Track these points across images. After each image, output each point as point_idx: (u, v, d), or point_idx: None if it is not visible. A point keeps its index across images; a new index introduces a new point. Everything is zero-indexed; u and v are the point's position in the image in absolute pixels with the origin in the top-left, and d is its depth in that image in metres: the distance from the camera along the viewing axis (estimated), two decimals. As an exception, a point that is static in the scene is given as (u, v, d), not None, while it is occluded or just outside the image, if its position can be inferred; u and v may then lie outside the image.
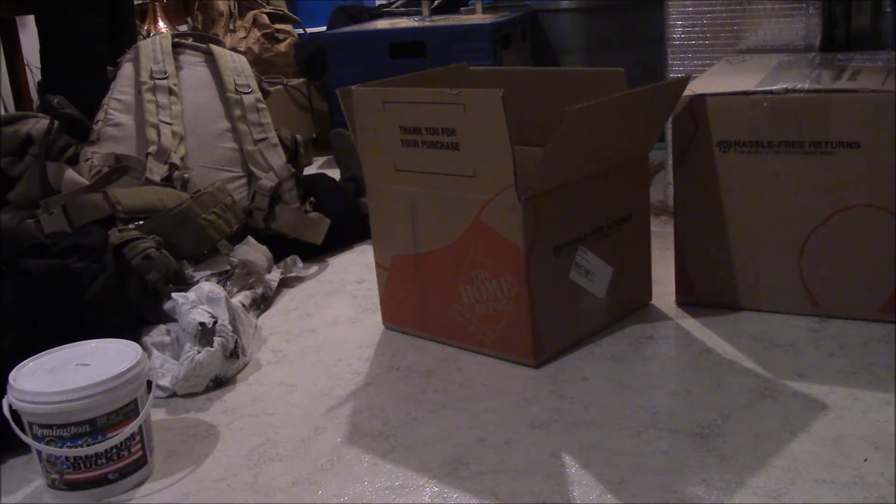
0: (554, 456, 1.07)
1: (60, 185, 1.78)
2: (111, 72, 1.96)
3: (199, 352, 1.28)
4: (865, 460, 1.00)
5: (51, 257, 1.39)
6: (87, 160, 1.82)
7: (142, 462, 1.09)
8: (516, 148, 1.20)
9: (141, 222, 1.56)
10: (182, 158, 1.80)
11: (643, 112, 1.35)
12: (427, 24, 2.54)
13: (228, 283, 1.57)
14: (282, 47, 3.03)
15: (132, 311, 1.40)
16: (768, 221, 1.38)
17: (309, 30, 3.23)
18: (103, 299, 1.34)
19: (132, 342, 1.13)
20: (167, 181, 1.74)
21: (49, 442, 1.03)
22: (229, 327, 1.34)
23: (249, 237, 1.71)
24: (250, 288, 1.59)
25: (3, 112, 3.00)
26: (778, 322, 1.38)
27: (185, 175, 1.77)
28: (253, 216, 1.79)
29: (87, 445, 1.03)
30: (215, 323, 1.32)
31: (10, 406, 1.05)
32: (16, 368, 1.08)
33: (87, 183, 1.75)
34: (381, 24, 2.69)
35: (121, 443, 1.05)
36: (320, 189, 1.94)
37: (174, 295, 1.36)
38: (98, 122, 1.88)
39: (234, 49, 2.45)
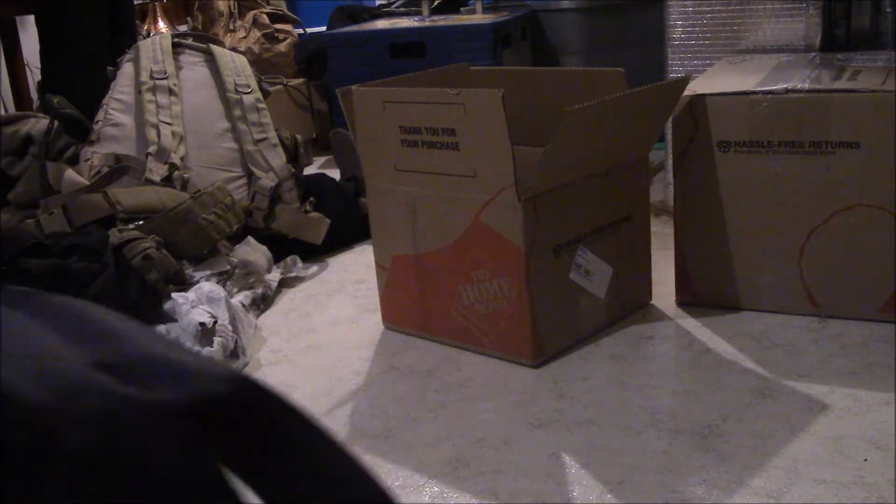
0: (554, 456, 1.07)
1: (60, 185, 1.78)
2: (111, 72, 1.96)
3: (199, 352, 1.28)
4: (865, 460, 1.00)
5: (51, 257, 1.39)
6: (87, 160, 1.82)
7: (142, 462, 1.09)
8: (516, 148, 1.20)
9: (141, 222, 1.56)
10: (182, 158, 1.80)
11: (643, 112, 1.35)
12: (427, 24, 2.54)
13: (228, 283, 1.57)
14: (282, 47, 3.03)
15: (132, 311, 1.40)
16: (768, 221, 1.38)
17: (309, 30, 3.23)
18: (103, 299, 1.34)
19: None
20: (167, 181, 1.74)
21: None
22: (229, 327, 1.34)
23: (249, 237, 1.71)
24: (250, 288, 1.59)
25: (3, 112, 3.00)
26: (778, 322, 1.38)
27: (185, 175, 1.77)
28: (253, 216, 1.79)
29: (87, 445, 1.03)
30: (215, 323, 1.32)
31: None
32: (16, 368, 1.07)
33: (87, 183, 1.75)
34: (381, 24, 2.69)
35: (121, 443, 1.05)
36: (320, 189, 1.94)
37: (174, 295, 1.36)
38: (98, 122, 1.88)
39: (234, 49, 2.45)
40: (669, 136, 1.83)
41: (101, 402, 0.32)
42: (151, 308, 1.41)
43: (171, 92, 1.86)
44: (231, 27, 3.06)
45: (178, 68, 1.92)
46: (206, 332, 1.31)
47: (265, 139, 1.86)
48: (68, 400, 0.32)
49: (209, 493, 0.34)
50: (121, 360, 0.34)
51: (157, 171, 1.75)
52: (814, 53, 1.72)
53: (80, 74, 2.22)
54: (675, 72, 1.86)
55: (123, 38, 2.33)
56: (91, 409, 0.32)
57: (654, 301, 1.49)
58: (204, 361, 0.36)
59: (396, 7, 3.14)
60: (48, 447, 0.31)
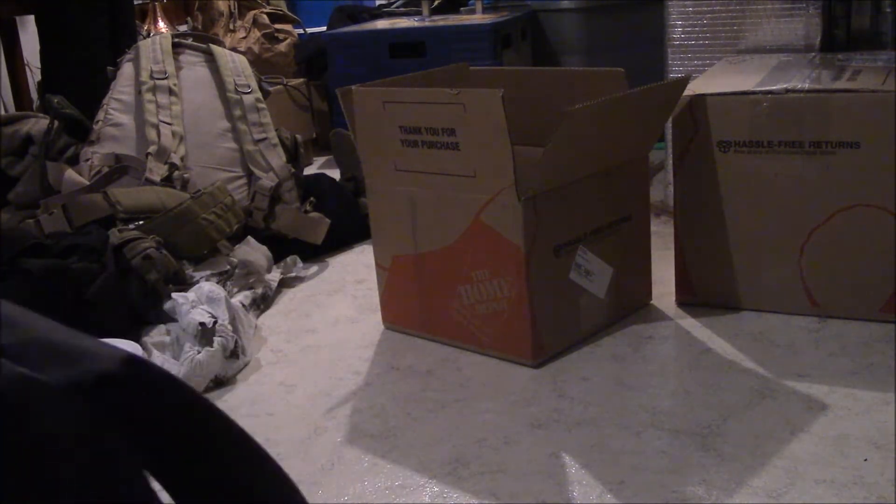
0: (554, 456, 1.07)
1: (60, 185, 1.78)
2: (111, 72, 1.96)
3: (199, 352, 1.28)
4: (865, 460, 1.00)
5: (51, 257, 1.39)
6: (87, 160, 1.82)
7: (142, 462, 1.08)
8: (516, 148, 1.20)
9: (141, 222, 1.56)
10: (182, 158, 1.80)
11: (643, 112, 1.35)
12: (427, 24, 2.54)
13: (228, 283, 1.57)
14: (282, 47, 3.03)
15: (132, 311, 1.40)
16: (768, 221, 1.38)
17: (309, 30, 3.22)
18: (103, 299, 1.34)
19: (132, 342, 1.13)
20: (167, 181, 1.74)
21: (49, 442, 1.03)
22: (229, 327, 1.34)
23: (249, 237, 1.71)
24: (250, 288, 1.59)
25: (3, 112, 3.00)
26: (778, 322, 1.38)
27: (185, 175, 1.77)
28: (253, 216, 1.79)
29: (87, 445, 1.03)
30: (215, 323, 1.32)
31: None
32: (16, 368, 1.07)
33: (87, 183, 1.75)
34: (381, 24, 2.69)
35: (121, 443, 1.05)
36: (320, 189, 1.94)
37: (174, 295, 1.36)
38: (98, 122, 1.88)
39: (234, 49, 2.45)
40: (669, 136, 1.83)
41: (2, 384, 0.34)
42: (151, 308, 1.41)
43: (171, 92, 1.86)
44: (231, 27, 3.06)
45: (178, 68, 1.92)
46: (206, 332, 1.31)
47: (265, 139, 1.86)
48: None
49: (103, 465, 0.37)
50: (19, 345, 0.36)
51: (157, 171, 1.75)
52: (814, 53, 1.72)
53: (80, 74, 2.22)
54: (675, 72, 1.87)
55: (123, 38, 2.33)
56: None
57: (654, 301, 1.49)
58: (98, 344, 0.38)
59: (396, 7, 3.14)
60: None
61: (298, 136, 1.95)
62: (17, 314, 0.39)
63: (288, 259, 1.75)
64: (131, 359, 0.39)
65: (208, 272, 1.56)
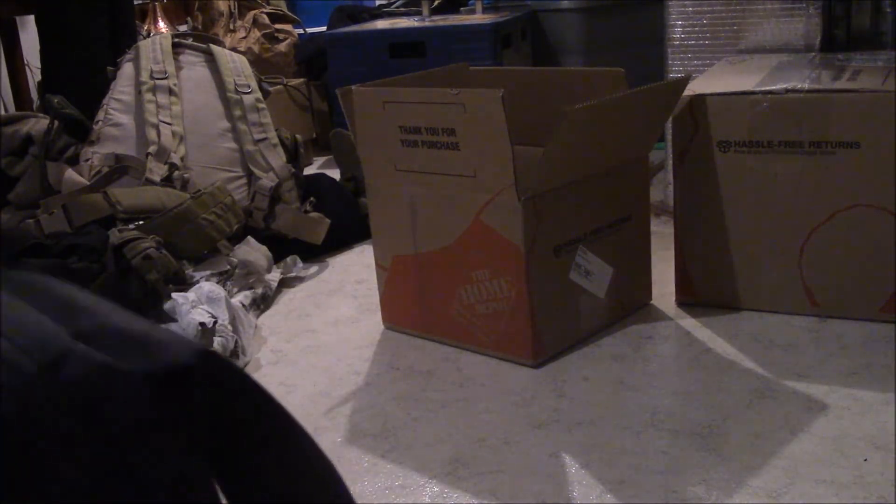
0: (554, 456, 1.07)
1: (60, 185, 1.78)
2: (111, 72, 1.96)
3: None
4: (865, 460, 1.00)
5: (51, 257, 1.39)
6: (87, 160, 1.82)
7: (142, 462, 1.08)
8: (516, 148, 1.20)
9: (141, 222, 1.56)
10: (182, 158, 1.80)
11: (643, 112, 1.35)
12: (427, 24, 2.54)
13: (228, 283, 1.57)
14: (282, 47, 3.03)
15: (132, 312, 1.40)
16: (768, 221, 1.38)
17: (309, 30, 3.23)
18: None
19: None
20: (167, 181, 1.74)
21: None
22: (229, 327, 1.34)
23: (249, 237, 1.71)
24: (250, 288, 1.59)
25: (3, 112, 3.00)
26: (778, 322, 1.38)
27: (185, 175, 1.77)
28: (253, 216, 1.79)
29: (87, 445, 1.03)
30: (215, 323, 1.32)
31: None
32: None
33: (87, 183, 1.75)
34: (381, 24, 2.69)
35: (121, 443, 1.05)
36: (320, 189, 1.94)
37: (174, 295, 1.36)
38: (98, 122, 1.88)
39: (234, 49, 2.45)
40: (669, 136, 1.83)
41: (82, 368, 0.35)
42: (151, 308, 1.41)
43: (171, 92, 1.86)
44: (231, 27, 3.06)
45: (179, 68, 1.92)
46: (206, 332, 1.31)
47: (265, 139, 1.86)
48: (54, 367, 0.34)
49: (172, 457, 0.37)
50: (96, 331, 0.37)
51: (157, 171, 1.75)
52: (814, 53, 1.72)
53: (80, 74, 2.22)
54: (675, 72, 1.86)
55: (123, 38, 2.33)
56: (74, 374, 0.34)
57: (654, 301, 1.49)
58: (171, 335, 0.38)
59: (396, 7, 3.14)
60: (34, 411, 0.33)
61: (298, 136, 1.95)
62: (90, 302, 0.38)
63: (288, 259, 1.75)
64: (206, 352, 0.39)
65: (208, 272, 1.56)
